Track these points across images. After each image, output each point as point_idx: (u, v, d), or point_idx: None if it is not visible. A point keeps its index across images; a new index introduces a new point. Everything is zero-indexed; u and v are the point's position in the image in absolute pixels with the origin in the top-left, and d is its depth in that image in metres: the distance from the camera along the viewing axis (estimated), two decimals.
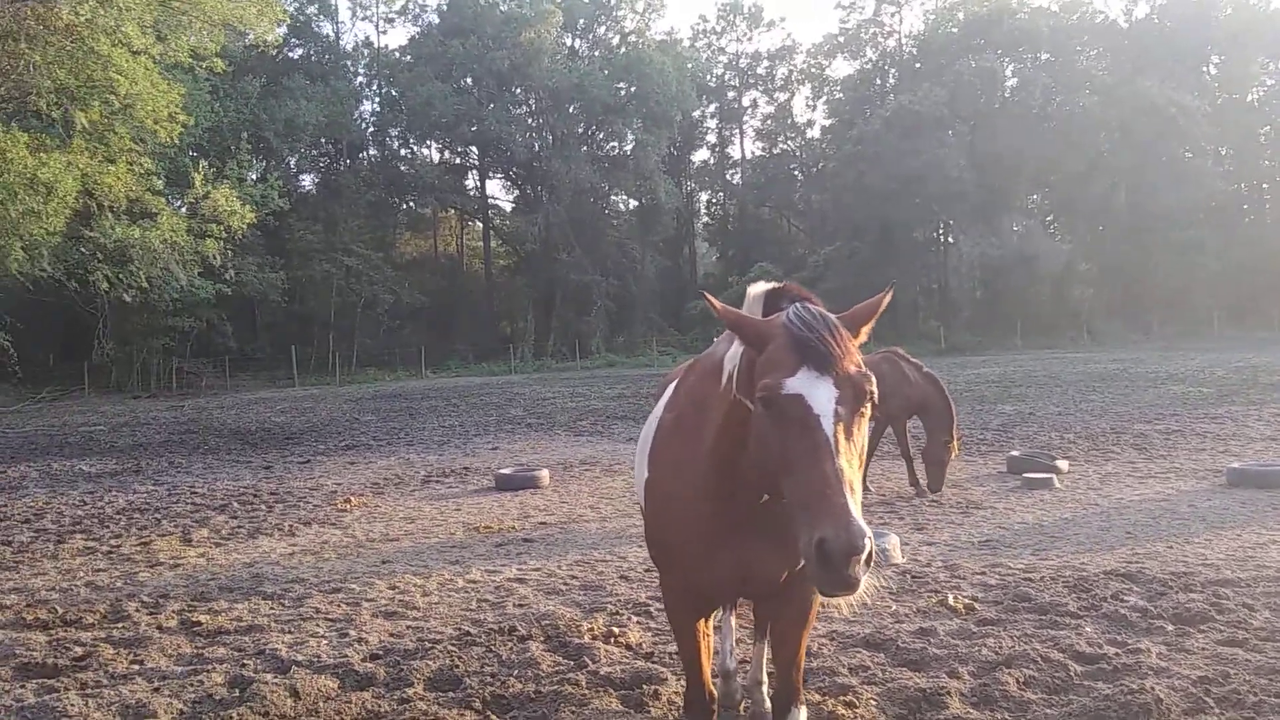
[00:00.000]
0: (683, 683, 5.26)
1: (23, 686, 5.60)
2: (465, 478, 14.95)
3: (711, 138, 76.97)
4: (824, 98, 72.85)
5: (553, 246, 61.03)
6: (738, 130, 76.39)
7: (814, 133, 74.35)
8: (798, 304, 2.96)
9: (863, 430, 2.88)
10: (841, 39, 70.89)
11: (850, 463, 2.74)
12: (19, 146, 22.55)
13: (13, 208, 22.59)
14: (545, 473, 14.00)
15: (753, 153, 76.36)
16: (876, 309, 3.04)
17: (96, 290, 28.52)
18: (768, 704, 4.50)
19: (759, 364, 2.87)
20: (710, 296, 3.20)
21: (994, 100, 59.53)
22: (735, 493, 3.22)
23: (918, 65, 65.25)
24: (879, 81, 69.80)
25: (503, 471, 14.26)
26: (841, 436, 2.75)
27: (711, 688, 3.72)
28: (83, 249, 26.05)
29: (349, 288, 53.51)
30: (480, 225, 69.95)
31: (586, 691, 5.17)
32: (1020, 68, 61.74)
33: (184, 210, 29.31)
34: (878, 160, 54.94)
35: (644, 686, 5.20)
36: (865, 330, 3.03)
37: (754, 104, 76.47)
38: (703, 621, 3.63)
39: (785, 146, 74.95)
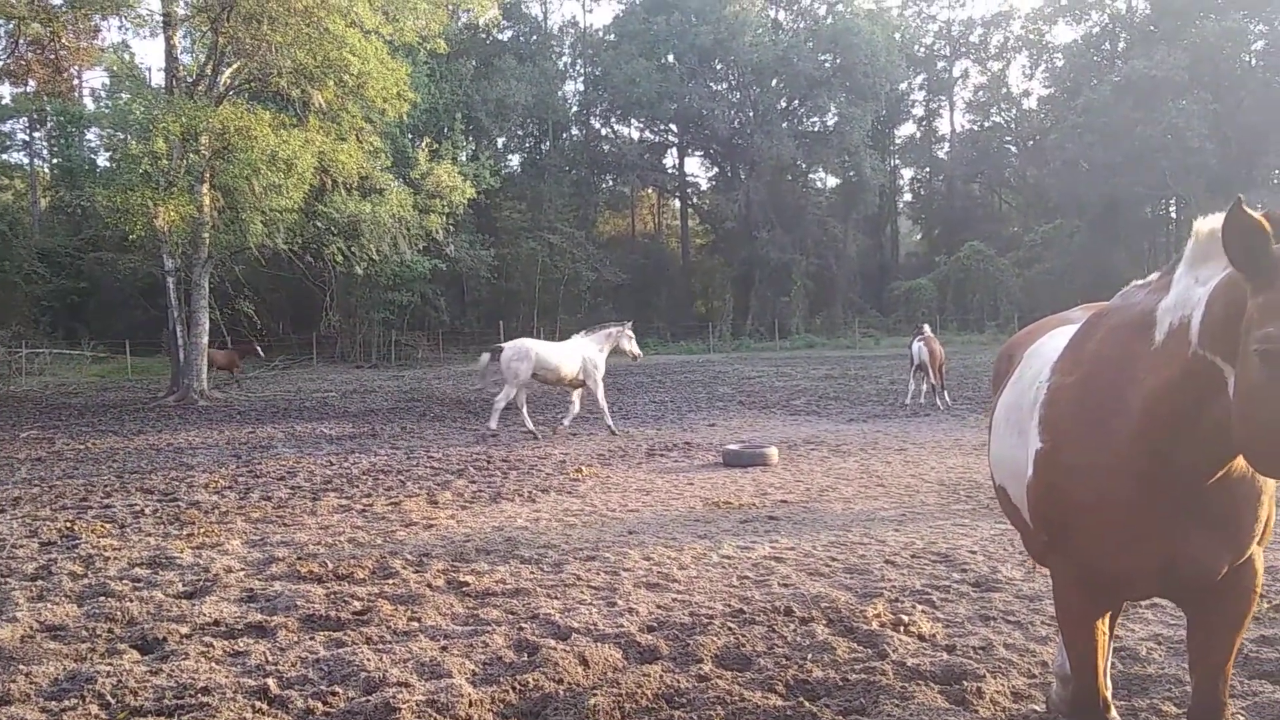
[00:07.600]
0: (1004, 682, 4.74)
1: (311, 638, 5.63)
2: (689, 453, 14.69)
3: (918, 110, 74.26)
4: (1043, 66, 68.73)
5: (752, 224, 60.33)
6: (946, 102, 73.32)
7: (1030, 103, 70.43)
8: None
9: None
10: (1064, 2, 66.44)
11: None
12: (262, 125, 23.92)
13: (256, 182, 24.00)
14: (774, 450, 13.56)
15: (962, 126, 73.20)
16: None
17: (328, 264, 30.10)
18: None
19: (1260, 308, 2.29)
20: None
21: (1239, 64, 54.41)
22: (1172, 468, 2.66)
23: (1152, 28, 60.36)
24: (1107, 46, 65.09)
25: (730, 447, 13.89)
26: None
27: (1106, 694, 3.16)
28: (317, 224, 27.50)
29: (552, 265, 54.58)
30: (678, 203, 70.06)
31: (898, 683, 4.69)
32: (1269, 29, 56.09)
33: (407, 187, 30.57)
34: (1106, 131, 51.28)
35: (964, 683, 4.66)
36: None
37: (965, 74, 73.34)
38: (1103, 619, 3.07)
39: (998, 119, 71.32)
